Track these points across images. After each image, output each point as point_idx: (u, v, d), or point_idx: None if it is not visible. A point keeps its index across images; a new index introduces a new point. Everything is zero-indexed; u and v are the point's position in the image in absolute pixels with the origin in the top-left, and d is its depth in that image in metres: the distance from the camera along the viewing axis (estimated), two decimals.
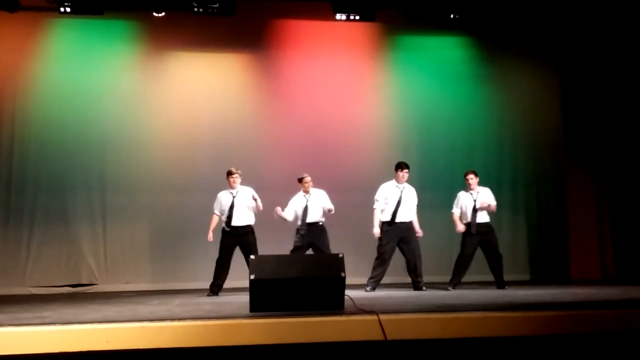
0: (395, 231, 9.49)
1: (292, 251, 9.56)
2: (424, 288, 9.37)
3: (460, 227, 9.74)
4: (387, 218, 9.53)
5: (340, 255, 6.24)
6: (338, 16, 11.36)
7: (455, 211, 9.90)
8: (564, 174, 12.18)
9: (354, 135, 12.06)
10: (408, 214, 9.56)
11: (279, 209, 9.55)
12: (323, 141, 11.85)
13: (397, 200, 9.51)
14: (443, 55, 12.52)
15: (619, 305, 6.23)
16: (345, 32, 12.07)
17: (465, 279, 9.95)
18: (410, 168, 9.71)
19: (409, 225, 9.55)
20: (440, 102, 12.31)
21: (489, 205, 9.72)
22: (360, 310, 5.88)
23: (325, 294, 6.07)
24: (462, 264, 9.76)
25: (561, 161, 12.26)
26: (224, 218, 9.48)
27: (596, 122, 11.78)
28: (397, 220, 9.49)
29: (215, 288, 9.38)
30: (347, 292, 6.30)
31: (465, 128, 12.29)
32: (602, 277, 11.47)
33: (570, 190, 12.00)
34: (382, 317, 5.34)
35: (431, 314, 5.71)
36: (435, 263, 11.22)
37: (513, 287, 9.64)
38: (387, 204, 9.56)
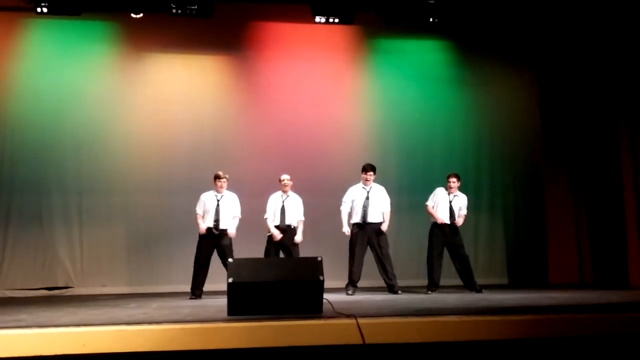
0: (364, 232, 9.51)
1: (265, 255, 9.59)
2: (399, 292, 9.36)
3: (440, 220, 9.76)
4: (356, 220, 9.58)
5: (319, 258, 6.23)
6: (317, 19, 11.33)
7: (429, 204, 9.96)
8: (541, 178, 12.23)
9: (333, 137, 12.05)
10: (375, 215, 9.58)
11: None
12: (301, 144, 11.83)
13: (362, 201, 9.56)
14: (422, 59, 12.55)
15: (596, 309, 6.27)
16: (324, 35, 12.06)
17: (443, 282, 9.97)
18: (376, 170, 9.76)
19: (376, 227, 9.57)
20: (419, 105, 12.32)
21: (461, 217, 9.92)
22: (338, 314, 5.87)
23: (304, 298, 6.06)
24: (431, 266, 9.78)
25: (539, 165, 12.31)
26: (209, 221, 9.47)
27: (574, 126, 11.85)
28: (366, 221, 9.52)
29: (198, 291, 9.36)
30: (326, 295, 6.29)
31: (444, 131, 12.32)
32: (580, 281, 11.53)
33: (548, 194, 12.06)
34: (361, 320, 5.35)
35: (409, 317, 5.73)
36: (414, 266, 11.23)
37: (491, 290, 9.66)
38: (354, 206, 9.63)
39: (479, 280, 9.90)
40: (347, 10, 11.29)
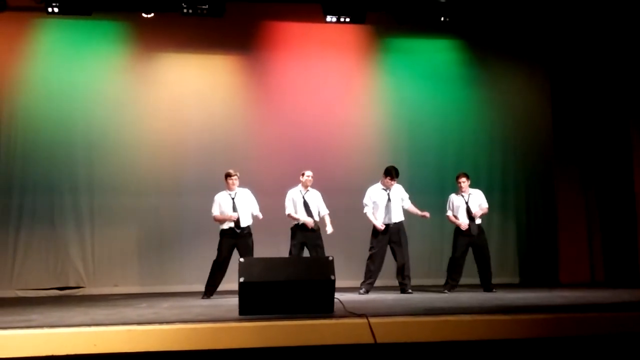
0: (385, 233, 9.48)
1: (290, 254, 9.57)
2: (410, 291, 9.34)
3: (464, 224, 9.73)
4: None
5: (330, 258, 6.23)
6: (328, 18, 11.33)
7: (449, 214, 9.94)
8: (553, 177, 12.19)
9: (344, 137, 12.04)
10: (397, 215, 9.57)
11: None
12: (313, 143, 11.81)
13: (385, 203, 9.53)
14: (433, 58, 12.52)
15: (607, 308, 6.24)
16: (335, 34, 12.05)
17: None
18: (399, 173, 9.70)
19: (399, 227, 9.54)
20: (430, 104, 12.29)
21: (482, 211, 9.83)
22: (350, 313, 5.86)
23: (315, 297, 6.05)
24: (454, 266, 9.80)
25: (551, 164, 12.26)
26: (228, 222, 9.44)
27: (585, 125, 11.81)
28: (387, 222, 9.49)
29: (211, 290, 9.35)
30: (337, 295, 6.29)
31: (456, 131, 12.29)
32: (591, 280, 11.49)
33: (560, 193, 12.02)
34: (372, 320, 5.34)
35: (421, 317, 5.72)
36: (425, 265, 11.25)
37: (502, 290, 9.64)
38: (375, 207, 9.58)
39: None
40: (358, 9, 11.28)
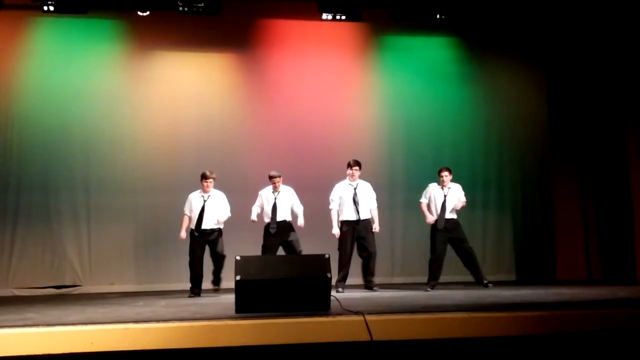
0: (354, 230, 9.49)
1: (263, 252, 9.56)
2: (375, 288, 9.37)
3: (430, 219, 9.72)
4: (346, 217, 9.56)
5: (326, 255, 6.24)
6: (324, 16, 11.33)
7: (423, 201, 9.90)
8: (550, 174, 12.19)
9: (340, 134, 12.03)
10: (366, 211, 9.58)
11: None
12: (308, 141, 11.82)
13: (352, 198, 9.53)
14: (429, 56, 12.53)
15: (604, 306, 6.25)
16: (331, 32, 12.05)
17: (450, 279, 9.95)
18: (360, 166, 9.73)
19: (366, 223, 9.55)
20: (426, 102, 12.29)
21: (462, 203, 9.79)
22: (346, 310, 5.87)
23: (311, 295, 6.06)
24: (435, 263, 9.71)
25: (547, 161, 12.25)
26: (193, 220, 9.51)
27: (582, 123, 11.78)
28: (353, 218, 9.50)
29: (196, 289, 9.40)
30: (333, 292, 6.29)
31: (452, 128, 12.29)
32: (588, 278, 11.47)
33: (556, 190, 12.02)
34: (368, 317, 5.35)
35: (417, 314, 5.72)
36: (420, 263, 11.22)
37: (499, 287, 9.64)
38: (342, 203, 9.59)
39: (487, 277, 9.87)
40: (354, 7, 11.28)
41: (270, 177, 9.79)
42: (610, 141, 11.33)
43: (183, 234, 9.56)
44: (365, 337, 5.25)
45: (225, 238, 9.67)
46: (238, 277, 5.98)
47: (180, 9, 10.75)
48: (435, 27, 12.01)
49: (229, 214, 9.64)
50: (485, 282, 9.58)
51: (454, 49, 12.63)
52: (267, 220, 9.70)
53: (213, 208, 9.52)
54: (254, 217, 9.74)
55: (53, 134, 11.35)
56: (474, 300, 7.36)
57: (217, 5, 10.84)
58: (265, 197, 9.80)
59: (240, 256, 6.27)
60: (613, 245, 11.27)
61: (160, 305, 7.56)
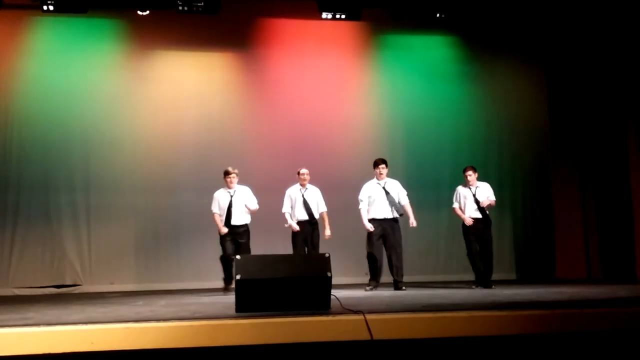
0: (380, 228, 9.45)
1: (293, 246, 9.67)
2: (403, 288, 9.30)
3: (468, 220, 9.72)
4: (374, 216, 9.49)
5: (327, 254, 6.22)
6: (324, 15, 11.34)
7: (455, 205, 9.92)
8: (550, 173, 12.20)
9: (340, 133, 12.05)
10: (393, 209, 9.54)
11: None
12: (309, 140, 11.83)
13: (381, 196, 9.49)
14: (429, 55, 12.55)
15: (603, 304, 6.24)
16: (331, 31, 12.06)
17: (451, 278, 9.93)
18: (388, 163, 9.67)
19: (392, 222, 9.51)
20: (426, 100, 12.31)
21: (490, 201, 9.79)
22: (346, 310, 5.86)
23: (312, 294, 6.05)
24: (473, 260, 9.76)
25: (547, 160, 12.27)
26: (222, 217, 9.47)
27: (582, 121, 11.79)
28: (382, 217, 9.46)
29: (231, 285, 9.34)
30: (334, 292, 6.28)
31: (452, 127, 12.31)
32: (588, 276, 11.48)
33: (556, 189, 12.03)
34: (369, 316, 5.33)
35: (417, 313, 5.70)
36: (421, 262, 11.24)
37: (499, 286, 9.64)
38: (371, 202, 9.54)
39: None
40: (354, 6, 11.30)
41: (299, 174, 9.93)
42: (610, 141, 11.33)
43: (224, 229, 9.45)
44: (365, 336, 5.23)
45: None
46: (238, 277, 5.97)
47: (180, 8, 10.78)
48: (435, 26, 12.04)
49: (257, 206, 9.62)
50: (491, 285, 9.55)
51: (454, 48, 12.65)
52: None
53: (240, 203, 9.54)
54: (290, 221, 9.79)
55: (53, 134, 11.37)
56: (475, 299, 7.35)
57: (217, 5, 10.85)
58: (292, 195, 9.89)
59: (240, 256, 6.27)
60: (613, 244, 11.27)
61: (160, 305, 7.55)
